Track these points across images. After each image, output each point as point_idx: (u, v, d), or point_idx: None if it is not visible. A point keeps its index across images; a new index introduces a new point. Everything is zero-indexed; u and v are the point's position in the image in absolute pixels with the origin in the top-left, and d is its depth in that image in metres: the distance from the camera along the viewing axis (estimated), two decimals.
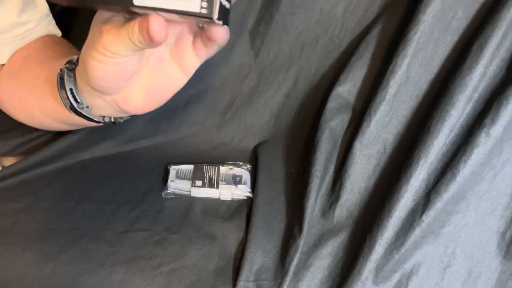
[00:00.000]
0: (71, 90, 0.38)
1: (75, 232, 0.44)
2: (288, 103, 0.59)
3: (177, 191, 0.51)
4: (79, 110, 0.40)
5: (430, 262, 0.43)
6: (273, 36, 0.56)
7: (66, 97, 0.39)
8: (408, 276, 0.43)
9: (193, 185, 0.51)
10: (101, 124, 0.44)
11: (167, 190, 0.51)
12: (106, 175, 0.52)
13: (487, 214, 0.43)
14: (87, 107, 0.40)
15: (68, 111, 0.41)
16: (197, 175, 0.53)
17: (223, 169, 0.54)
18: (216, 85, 0.59)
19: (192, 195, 0.51)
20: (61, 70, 0.39)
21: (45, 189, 0.49)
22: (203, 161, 0.56)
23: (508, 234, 0.43)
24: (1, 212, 0.45)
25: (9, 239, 0.43)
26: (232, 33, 0.56)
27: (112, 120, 0.43)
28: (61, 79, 0.39)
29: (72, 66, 0.39)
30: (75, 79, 0.39)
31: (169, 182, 0.51)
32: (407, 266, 0.43)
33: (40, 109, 0.47)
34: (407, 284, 0.42)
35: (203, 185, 0.51)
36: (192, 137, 0.59)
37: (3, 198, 0.47)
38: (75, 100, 0.39)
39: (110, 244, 0.44)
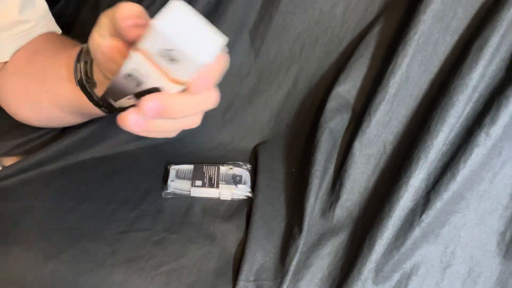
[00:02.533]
0: (85, 62, 0.40)
1: (75, 232, 0.44)
2: (288, 103, 0.58)
3: (177, 191, 0.51)
4: (85, 83, 0.41)
5: (430, 262, 0.43)
6: (273, 36, 0.56)
7: (79, 69, 0.40)
8: (408, 276, 0.43)
9: (193, 185, 0.51)
10: (103, 110, 0.44)
11: (167, 190, 0.51)
12: (106, 175, 0.52)
13: (487, 214, 0.43)
14: (93, 84, 0.41)
15: (75, 84, 0.41)
16: (197, 175, 0.53)
17: (223, 169, 0.54)
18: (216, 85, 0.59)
19: (192, 195, 0.51)
20: (83, 46, 0.41)
21: (45, 189, 0.49)
22: (203, 161, 0.56)
23: (508, 234, 0.43)
24: (1, 212, 0.45)
25: (9, 239, 0.43)
26: (232, 33, 0.57)
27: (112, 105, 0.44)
28: (81, 52, 0.41)
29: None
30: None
31: (169, 182, 0.51)
32: (407, 266, 0.43)
33: (50, 98, 0.47)
34: (407, 284, 0.42)
35: (203, 185, 0.51)
36: (192, 137, 0.58)
37: (3, 198, 0.47)
38: (86, 74, 0.40)
39: (110, 244, 0.44)
